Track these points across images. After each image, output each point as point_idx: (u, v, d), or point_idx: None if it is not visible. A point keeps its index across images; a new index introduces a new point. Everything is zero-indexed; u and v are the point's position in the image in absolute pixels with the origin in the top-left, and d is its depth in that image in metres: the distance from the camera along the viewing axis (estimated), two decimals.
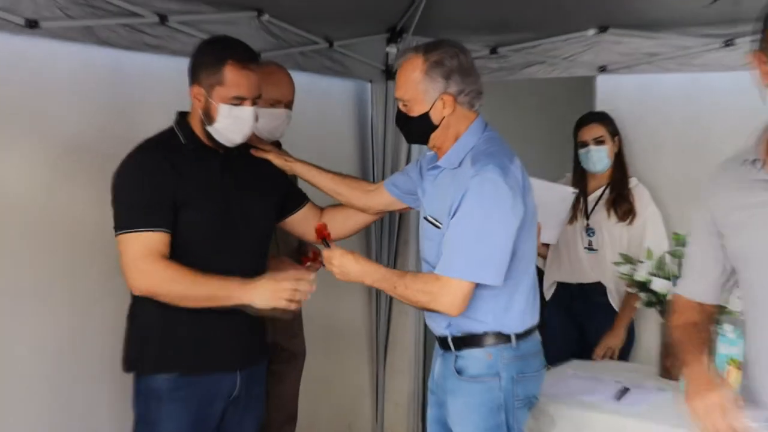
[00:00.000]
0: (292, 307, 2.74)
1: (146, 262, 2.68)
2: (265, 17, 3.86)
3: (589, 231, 4.15)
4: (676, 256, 3.41)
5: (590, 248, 4.15)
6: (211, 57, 2.83)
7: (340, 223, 3.11)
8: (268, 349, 3.17)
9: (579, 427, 3.01)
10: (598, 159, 4.13)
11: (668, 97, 4.28)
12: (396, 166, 4.59)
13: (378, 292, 4.60)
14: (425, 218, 2.82)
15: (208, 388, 2.88)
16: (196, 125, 2.88)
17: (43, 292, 3.23)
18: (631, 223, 4.09)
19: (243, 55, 2.83)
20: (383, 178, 4.56)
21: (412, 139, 2.91)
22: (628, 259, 3.51)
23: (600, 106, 4.38)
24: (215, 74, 2.80)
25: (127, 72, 3.51)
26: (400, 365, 4.91)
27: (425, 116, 2.71)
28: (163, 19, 3.42)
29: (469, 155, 2.70)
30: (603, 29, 4.20)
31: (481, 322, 2.71)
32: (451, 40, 2.78)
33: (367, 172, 4.76)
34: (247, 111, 2.85)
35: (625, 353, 4.08)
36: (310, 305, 3.71)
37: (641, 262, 3.47)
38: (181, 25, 3.49)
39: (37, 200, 3.22)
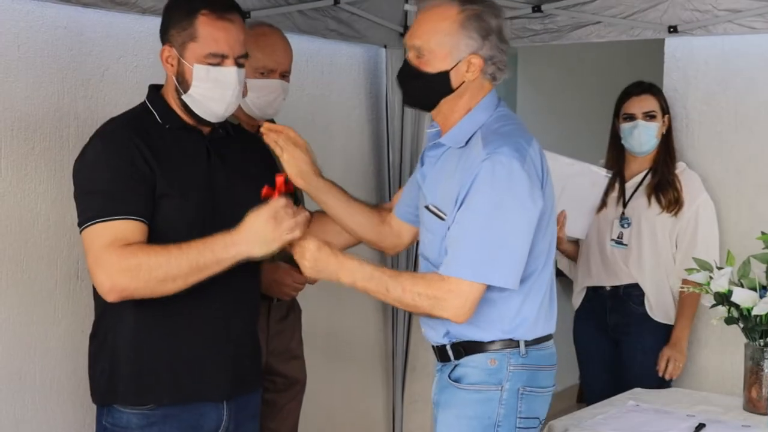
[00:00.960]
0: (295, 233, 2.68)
1: (109, 254, 2.64)
2: None
3: (624, 221, 4.20)
4: (765, 261, 3.36)
5: (619, 241, 4.20)
6: (180, 9, 2.82)
7: (333, 237, 3.06)
8: (262, 373, 3.18)
9: None
10: (647, 138, 4.17)
11: (755, 65, 4.25)
12: (417, 152, 4.59)
13: None
14: (426, 207, 2.80)
15: (188, 422, 2.88)
16: (172, 99, 2.88)
17: None
18: (676, 214, 4.13)
19: (219, 3, 2.82)
20: (400, 166, 4.56)
21: (414, 101, 2.87)
22: (704, 265, 3.44)
23: (669, 77, 4.39)
24: (187, 29, 2.79)
25: (89, 35, 3.48)
26: (422, 394, 4.93)
27: (443, 75, 2.70)
28: None
29: (478, 133, 2.70)
30: None
31: (486, 330, 2.73)
32: None
33: (381, 160, 4.82)
34: (228, 72, 2.82)
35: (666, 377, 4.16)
36: (312, 321, 3.71)
37: (720, 268, 3.41)
38: None
39: None
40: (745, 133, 4.28)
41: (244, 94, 3.48)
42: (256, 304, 3.12)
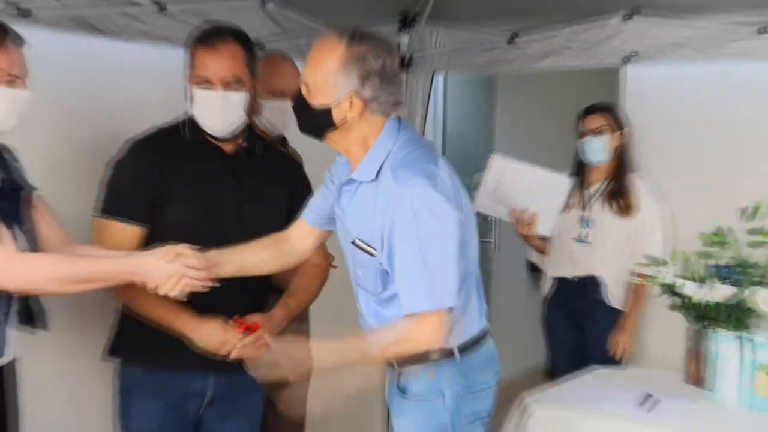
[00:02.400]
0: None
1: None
2: (270, 5, 3.90)
3: (585, 222, 4.22)
4: (704, 256, 3.42)
5: (581, 240, 4.22)
6: (188, 45, 2.90)
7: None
8: None
9: None
10: (593, 150, 4.21)
11: (700, 90, 4.24)
12: None
13: None
14: (353, 243, 2.58)
15: (176, 387, 2.91)
16: None
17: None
18: (629, 217, 4.15)
19: (209, 34, 2.87)
20: None
21: (304, 129, 2.62)
22: (654, 261, 3.51)
23: (628, 99, 4.39)
24: (188, 60, 2.88)
25: (124, 64, 3.48)
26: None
27: (326, 110, 2.49)
28: (162, 7, 3.43)
29: (387, 164, 2.51)
30: (628, 16, 4.16)
31: None
32: (382, 37, 2.56)
33: None
34: (213, 95, 2.84)
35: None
36: (318, 306, 3.72)
37: (666, 263, 3.48)
38: (180, 12, 3.50)
39: None
40: (691, 148, 4.26)
41: (258, 113, 3.55)
42: (263, 292, 3.06)
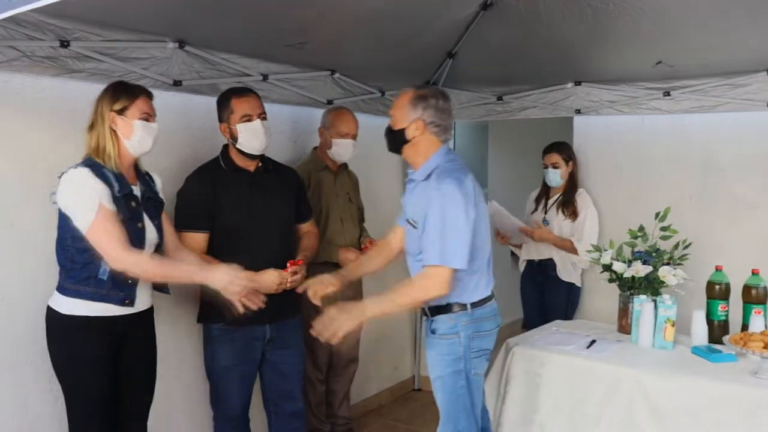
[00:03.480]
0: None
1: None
2: (336, 75, 3.90)
3: (545, 222, 4.16)
4: (630, 245, 3.45)
5: None
6: (222, 102, 2.90)
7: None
8: (298, 308, 3.09)
9: (560, 368, 3.04)
10: (551, 178, 4.18)
11: (625, 133, 4.26)
12: None
13: None
14: (407, 221, 2.66)
15: (246, 335, 2.94)
16: (232, 151, 2.96)
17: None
18: (573, 219, 4.12)
19: (240, 90, 2.90)
20: None
21: (390, 147, 2.71)
22: (596, 248, 3.50)
23: (577, 138, 4.38)
24: (227, 109, 2.88)
25: (197, 116, 3.30)
26: None
27: (402, 131, 2.61)
28: (265, 77, 3.46)
29: (435, 172, 2.57)
30: (578, 83, 4.22)
31: (445, 297, 2.58)
32: (439, 87, 2.64)
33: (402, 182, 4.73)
34: (254, 124, 2.85)
35: (570, 312, 4.15)
36: (367, 283, 3.73)
37: (606, 249, 3.46)
38: (277, 81, 3.54)
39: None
40: (620, 172, 4.27)
41: (330, 147, 3.50)
42: (292, 251, 3.01)
